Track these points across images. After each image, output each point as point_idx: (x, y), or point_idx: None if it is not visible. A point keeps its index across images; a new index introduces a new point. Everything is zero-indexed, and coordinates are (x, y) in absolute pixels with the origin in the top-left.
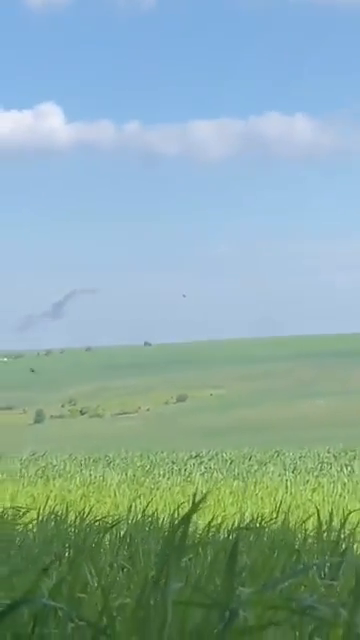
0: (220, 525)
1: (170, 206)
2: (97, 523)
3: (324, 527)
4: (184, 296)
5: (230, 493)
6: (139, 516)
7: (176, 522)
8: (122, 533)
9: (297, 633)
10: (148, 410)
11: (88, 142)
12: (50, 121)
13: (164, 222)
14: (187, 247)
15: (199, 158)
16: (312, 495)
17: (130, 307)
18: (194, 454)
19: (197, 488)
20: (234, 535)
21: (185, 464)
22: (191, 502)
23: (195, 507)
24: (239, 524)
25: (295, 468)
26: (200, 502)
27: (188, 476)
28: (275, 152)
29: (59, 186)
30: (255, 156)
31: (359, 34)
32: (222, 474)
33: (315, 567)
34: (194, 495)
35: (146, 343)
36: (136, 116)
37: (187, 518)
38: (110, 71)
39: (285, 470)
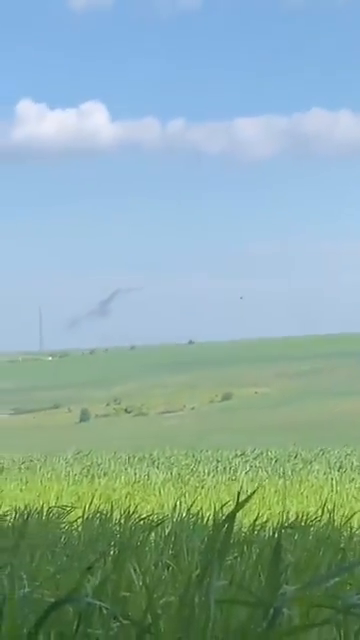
0: (265, 524)
1: (214, 204)
2: (142, 522)
3: None
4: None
5: (275, 492)
6: (184, 515)
7: (221, 521)
8: (167, 532)
9: (342, 632)
10: (193, 409)
11: (133, 140)
12: (94, 119)
13: (208, 220)
14: (231, 245)
15: (244, 156)
16: (358, 493)
17: (173, 306)
18: (239, 452)
19: (242, 487)
20: (279, 533)
21: (230, 462)
22: (236, 501)
23: (240, 506)
24: (284, 523)
25: (340, 466)
26: (245, 501)
27: (233, 474)
28: (319, 149)
29: (104, 184)
30: (300, 153)
31: None
32: (267, 472)
33: None
34: (239, 494)
35: (190, 341)
36: (181, 114)
37: (232, 517)
38: (154, 69)
39: (330, 468)
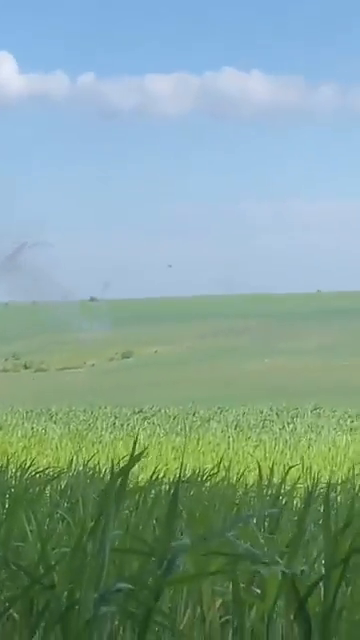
0: (161, 479)
1: (125, 161)
2: (38, 475)
3: (265, 482)
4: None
5: (172, 448)
6: (80, 468)
7: (116, 473)
8: (63, 485)
9: (233, 583)
10: (93, 365)
11: (42, 93)
12: (2, 70)
13: (118, 178)
14: (142, 203)
15: (155, 112)
16: (254, 451)
17: (79, 262)
18: (137, 410)
19: (139, 442)
20: (174, 488)
21: (128, 419)
22: (131, 455)
23: (136, 458)
24: (180, 478)
25: (237, 425)
26: (141, 454)
27: (131, 431)
28: (231, 109)
29: (10, 138)
30: (212, 112)
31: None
32: (165, 430)
33: (255, 520)
34: (134, 447)
35: (92, 298)
36: (91, 68)
37: (127, 468)
38: (64, 21)
39: (227, 427)
